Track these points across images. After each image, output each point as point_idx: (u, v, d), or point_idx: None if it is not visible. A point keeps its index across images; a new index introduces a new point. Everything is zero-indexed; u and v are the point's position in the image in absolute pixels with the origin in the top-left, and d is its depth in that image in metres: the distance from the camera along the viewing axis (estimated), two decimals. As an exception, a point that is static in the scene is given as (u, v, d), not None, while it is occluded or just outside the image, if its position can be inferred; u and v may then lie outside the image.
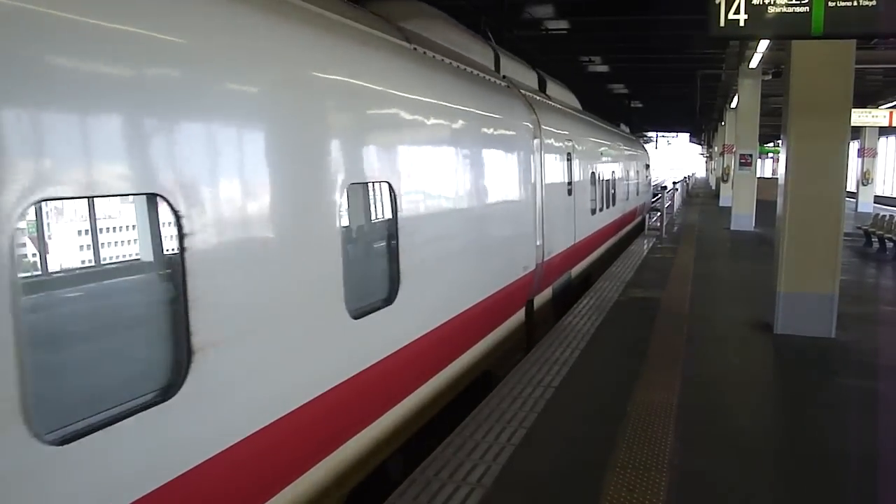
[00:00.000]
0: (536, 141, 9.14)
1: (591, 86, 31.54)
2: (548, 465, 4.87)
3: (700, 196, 43.27)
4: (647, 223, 21.65)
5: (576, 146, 12.00)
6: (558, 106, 12.23)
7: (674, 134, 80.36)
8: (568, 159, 11.27)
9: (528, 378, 6.69)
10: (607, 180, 16.23)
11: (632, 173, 22.30)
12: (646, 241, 18.19)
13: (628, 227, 21.84)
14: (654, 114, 51.19)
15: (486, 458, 4.91)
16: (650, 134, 76.20)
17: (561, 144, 10.82)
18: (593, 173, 14.02)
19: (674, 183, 37.58)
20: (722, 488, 4.59)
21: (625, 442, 5.22)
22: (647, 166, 29.03)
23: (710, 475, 4.78)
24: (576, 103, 15.72)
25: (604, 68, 27.20)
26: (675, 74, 27.63)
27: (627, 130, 28.48)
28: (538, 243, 9.19)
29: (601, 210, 15.13)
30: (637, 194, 23.96)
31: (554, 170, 10.27)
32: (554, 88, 13.21)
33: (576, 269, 12.47)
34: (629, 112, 42.45)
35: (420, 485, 4.51)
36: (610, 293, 10.96)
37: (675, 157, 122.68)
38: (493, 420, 5.62)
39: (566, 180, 11.16)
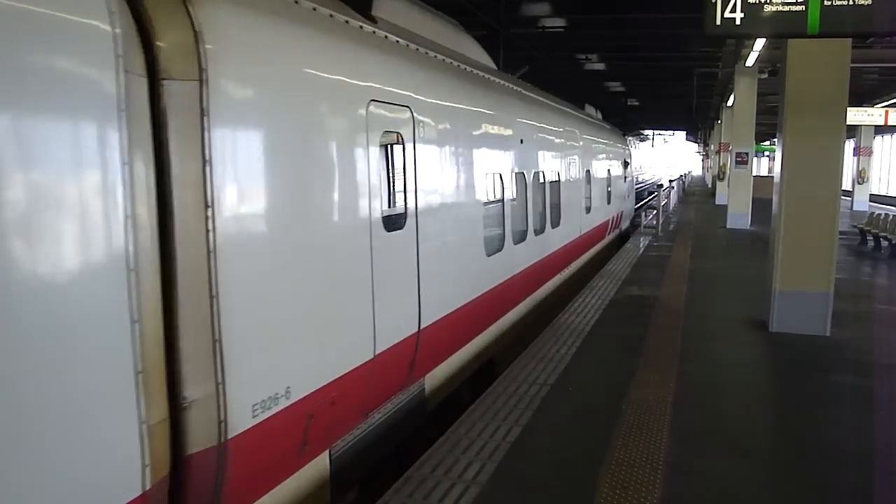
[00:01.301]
0: (177, 89, 3.42)
1: (589, 83, 31.58)
2: (543, 463, 4.88)
3: (696, 194, 43.32)
4: (642, 225, 21.64)
5: (428, 122, 6.06)
6: (377, 33, 5.58)
7: (670, 132, 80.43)
8: (387, 150, 5.31)
9: (524, 376, 6.70)
10: (542, 186, 10.13)
11: (599, 173, 15.67)
12: (642, 240, 18.19)
13: (594, 250, 15.69)
14: (650, 112, 51.21)
15: (480, 456, 4.91)
16: (647, 132, 76.30)
17: (341, 118, 4.77)
18: (501, 176, 8.11)
19: (670, 181, 37.70)
20: (716, 485, 4.60)
21: (620, 439, 5.23)
22: (627, 164, 21.60)
23: (705, 472, 4.79)
24: (485, 61, 9.24)
25: (601, 66, 27.16)
26: (672, 72, 27.62)
27: (599, 116, 19.81)
28: (193, 398, 3.48)
29: (524, 240, 9.17)
30: (609, 202, 17.21)
31: (296, 179, 4.30)
32: (404, 16, 6.58)
33: (455, 361, 6.94)
34: (625, 108, 42.49)
35: (415, 482, 4.52)
36: (606, 291, 10.96)
37: (671, 155, 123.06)
38: (488, 418, 5.63)
39: (377, 198, 5.08)
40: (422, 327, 5.81)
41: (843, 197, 9.63)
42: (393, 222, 5.31)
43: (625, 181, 20.99)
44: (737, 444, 5.26)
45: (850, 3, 6.00)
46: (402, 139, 5.50)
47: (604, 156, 16.77)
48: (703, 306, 9.97)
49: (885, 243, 16.63)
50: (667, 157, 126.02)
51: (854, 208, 30.08)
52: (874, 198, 34.25)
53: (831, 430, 5.63)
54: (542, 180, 10.10)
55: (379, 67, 5.33)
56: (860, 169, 31.85)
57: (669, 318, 9.15)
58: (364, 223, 4.87)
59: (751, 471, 4.82)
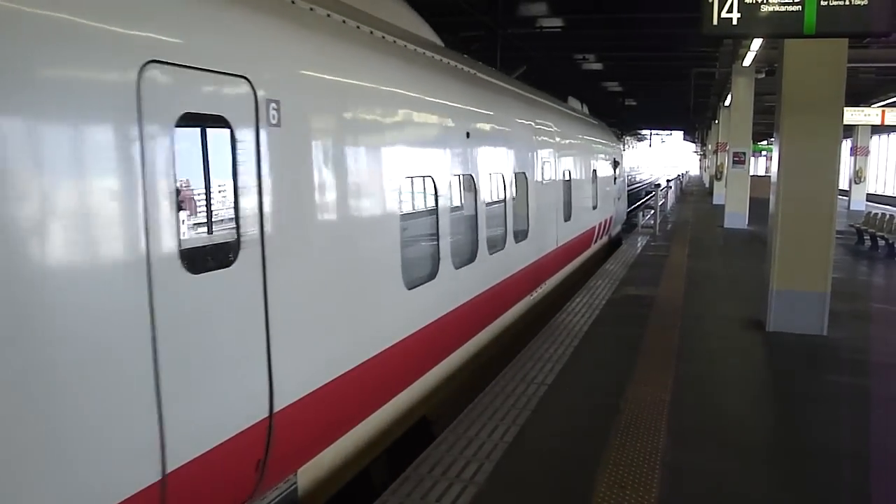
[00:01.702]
0: None
1: (586, 83, 31.60)
2: (540, 462, 4.88)
3: (694, 194, 43.35)
4: (639, 225, 21.59)
5: (291, 102, 4.16)
6: None
7: (668, 132, 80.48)
8: (197, 142, 3.57)
9: (522, 375, 6.71)
10: (502, 191, 8.46)
11: (582, 174, 13.74)
12: (639, 239, 18.21)
13: (576, 262, 13.55)
14: (648, 111, 51.28)
15: (478, 456, 4.92)
16: (644, 131, 76.32)
17: (61, 86, 2.76)
18: (434, 180, 6.32)
19: (667, 181, 37.71)
20: (713, 484, 4.61)
21: (617, 439, 5.24)
22: (617, 163, 19.60)
23: (702, 471, 4.80)
24: (423, 33, 7.40)
25: (598, 66, 27.20)
26: (669, 72, 27.67)
27: (584, 111, 17.62)
28: None
29: (473, 261, 7.35)
30: (595, 207, 15.25)
31: None
32: None
33: (355, 436, 5.09)
34: (622, 108, 42.52)
35: (413, 482, 4.52)
36: (603, 291, 10.97)
37: (668, 155, 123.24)
38: (485, 417, 5.64)
39: (167, 220, 3.22)
40: (277, 410, 3.95)
41: (839, 197, 9.63)
42: (207, 257, 3.55)
43: (615, 182, 19.00)
44: (734, 443, 5.27)
45: (847, 3, 6.02)
46: (232, 126, 3.62)
47: (589, 154, 14.75)
48: (700, 306, 9.98)
49: (881, 243, 16.66)
50: (664, 156, 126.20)
51: (851, 208, 30.13)
52: (871, 197, 34.33)
53: (828, 429, 5.64)
54: (501, 184, 8.37)
55: (174, 14, 3.37)
56: (857, 168, 31.92)
57: (667, 317, 9.16)
58: (130, 263, 3.01)
59: (748, 470, 4.83)
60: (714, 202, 31.17)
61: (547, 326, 8.68)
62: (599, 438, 5.25)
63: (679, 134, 77.51)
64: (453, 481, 4.53)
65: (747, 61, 17.38)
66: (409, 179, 5.85)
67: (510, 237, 8.72)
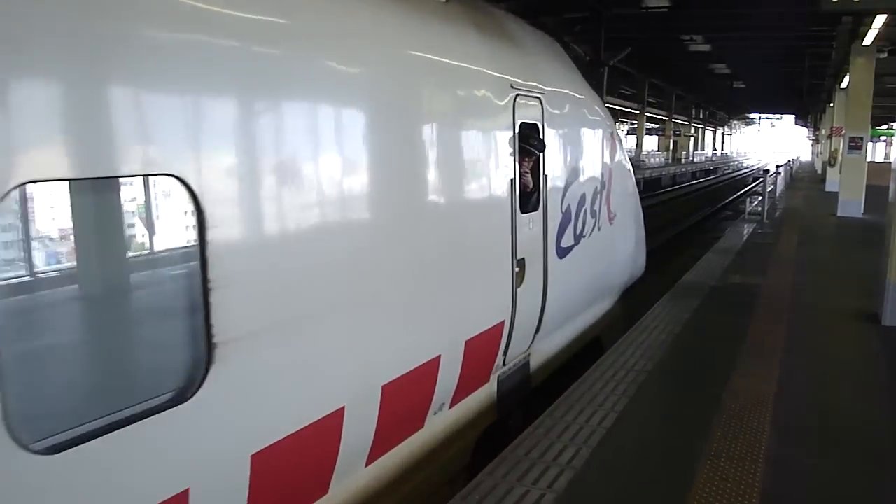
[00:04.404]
0: None
1: (692, 65, 30.73)
2: (639, 450, 4.84)
3: (805, 180, 41.49)
4: (746, 213, 20.90)
5: None
6: None
7: (778, 116, 77.40)
8: None
9: (622, 362, 6.64)
10: None
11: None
12: (746, 227, 17.63)
13: None
14: (757, 95, 49.45)
15: (576, 440, 4.92)
16: (753, 116, 73.60)
17: None
18: None
19: (777, 166, 36.24)
20: (820, 482, 4.46)
21: (719, 430, 5.13)
22: (542, 145, 5.83)
23: (807, 469, 4.65)
24: None
25: (705, 47, 26.38)
26: (782, 53, 26.59)
27: None
28: None
29: None
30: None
31: None
32: None
33: None
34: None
35: (509, 464, 4.57)
36: (706, 279, 10.70)
37: (779, 140, 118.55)
38: (584, 402, 5.62)
39: None
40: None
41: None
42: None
43: (537, 203, 5.93)
44: (842, 441, 5.07)
45: (984, -24, 5.64)
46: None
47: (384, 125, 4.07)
48: (809, 296, 9.60)
49: None
50: (774, 141, 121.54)
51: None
52: None
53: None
54: None
55: None
56: None
57: (774, 307, 8.85)
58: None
59: (855, 470, 4.65)
60: (826, 189, 29.74)
61: (647, 315, 8.55)
62: (700, 429, 5.16)
63: (790, 118, 74.46)
64: (550, 464, 4.55)
65: (868, 40, 16.50)
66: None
67: None
